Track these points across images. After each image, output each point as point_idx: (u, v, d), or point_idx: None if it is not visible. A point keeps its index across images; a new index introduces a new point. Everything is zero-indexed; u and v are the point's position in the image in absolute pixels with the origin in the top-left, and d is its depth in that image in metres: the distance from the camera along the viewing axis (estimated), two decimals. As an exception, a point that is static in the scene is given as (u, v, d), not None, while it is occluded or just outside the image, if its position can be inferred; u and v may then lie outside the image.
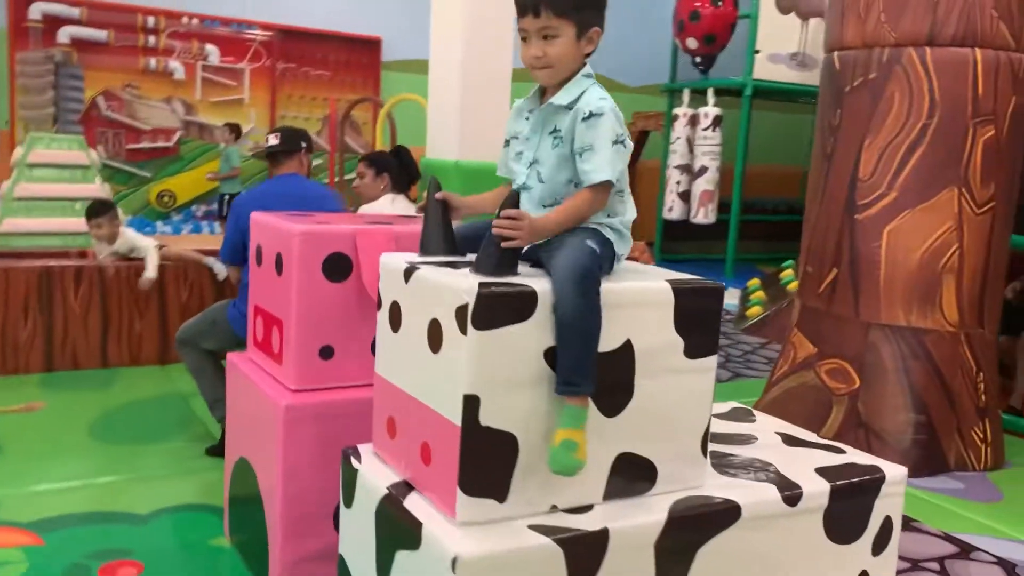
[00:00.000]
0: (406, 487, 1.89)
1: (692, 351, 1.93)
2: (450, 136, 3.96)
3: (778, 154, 13.17)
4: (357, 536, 2.02)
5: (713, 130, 10.03)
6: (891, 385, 4.09)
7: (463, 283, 1.70)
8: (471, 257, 1.93)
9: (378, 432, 2.05)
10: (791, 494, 2.03)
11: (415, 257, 1.97)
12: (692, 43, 10.17)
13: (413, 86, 10.26)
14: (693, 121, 10.20)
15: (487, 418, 1.70)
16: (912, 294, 4.09)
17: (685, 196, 10.39)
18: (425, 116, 6.47)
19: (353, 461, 2.05)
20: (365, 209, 4.00)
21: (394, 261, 1.97)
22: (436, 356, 1.77)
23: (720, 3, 9.94)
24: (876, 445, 4.03)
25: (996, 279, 4.20)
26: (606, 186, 1.80)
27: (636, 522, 1.83)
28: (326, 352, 2.54)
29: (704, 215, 10.23)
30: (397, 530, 1.82)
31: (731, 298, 7.88)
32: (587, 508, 1.84)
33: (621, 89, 12.59)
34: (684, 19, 10.12)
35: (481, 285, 1.68)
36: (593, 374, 1.73)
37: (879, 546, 2.21)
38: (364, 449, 2.09)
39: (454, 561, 1.61)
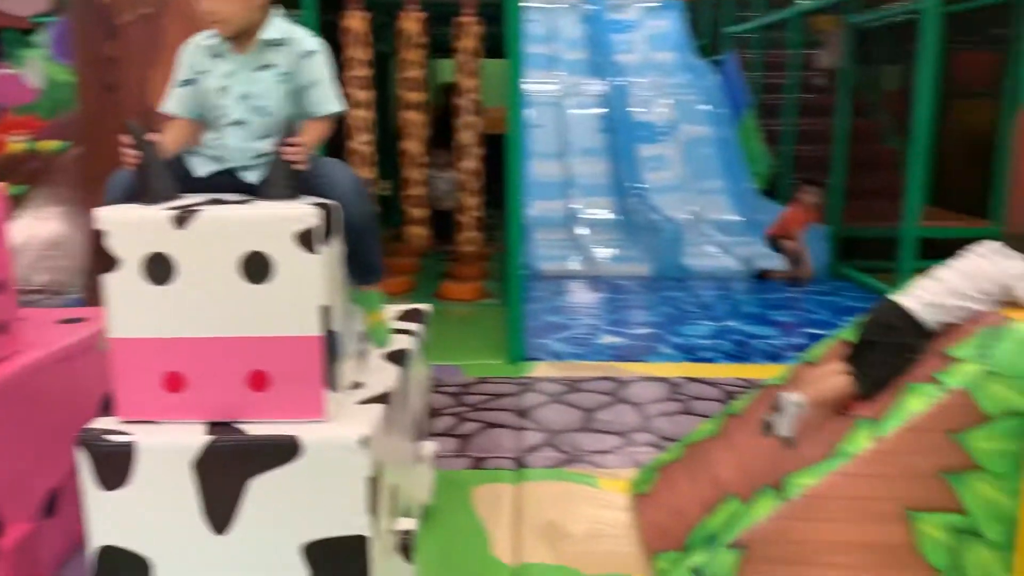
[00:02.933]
0: (225, 426, 1.92)
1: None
2: None
3: None
4: (142, 513, 1.90)
5: None
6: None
7: (295, 209, 1.87)
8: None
9: (143, 397, 1.92)
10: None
11: (150, 205, 1.90)
12: None
13: None
14: None
15: (332, 322, 1.95)
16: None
17: None
18: None
19: (114, 438, 1.88)
20: None
21: (135, 213, 1.87)
22: (263, 286, 1.87)
23: None
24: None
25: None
26: (335, 116, 2.11)
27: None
28: None
29: None
30: (249, 460, 1.88)
31: None
32: (361, 383, 2.22)
33: None
34: None
35: (313, 207, 1.88)
36: (381, 262, 2.14)
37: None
38: (109, 423, 1.92)
39: (365, 440, 1.89)
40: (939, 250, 2.50)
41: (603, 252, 7.50)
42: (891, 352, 2.41)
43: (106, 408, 1.99)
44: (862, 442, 2.31)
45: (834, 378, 2.49)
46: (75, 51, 4.58)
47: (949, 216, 7.05)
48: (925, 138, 5.78)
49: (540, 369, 4.44)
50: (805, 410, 2.45)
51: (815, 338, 4.16)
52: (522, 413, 3.81)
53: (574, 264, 7.21)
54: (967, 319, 2.40)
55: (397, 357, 2.43)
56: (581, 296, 6.38)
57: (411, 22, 5.43)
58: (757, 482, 2.46)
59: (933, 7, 5.64)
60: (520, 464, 3.30)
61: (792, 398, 2.46)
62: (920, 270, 2.59)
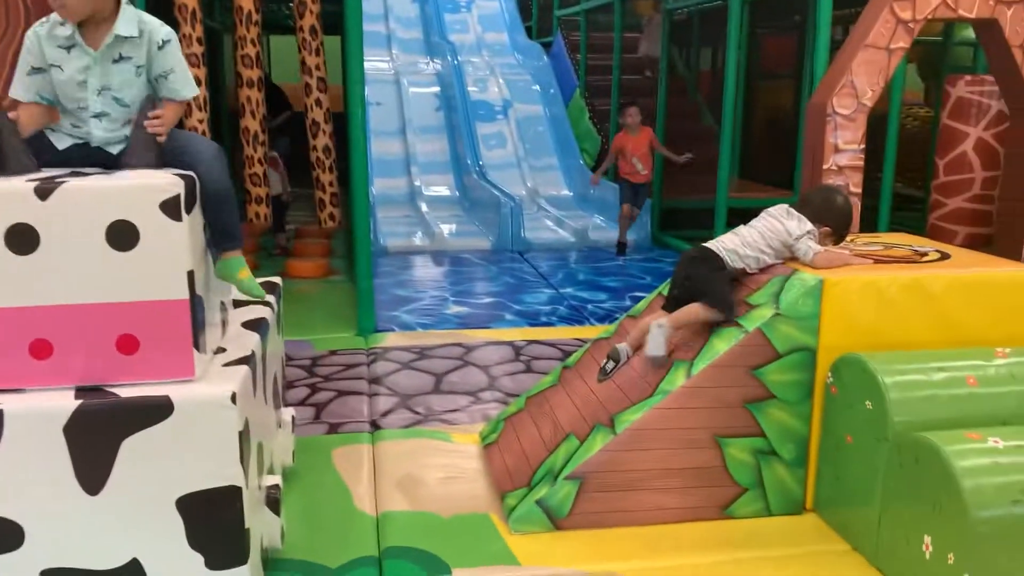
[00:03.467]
0: (96, 390, 2.00)
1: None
2: None
3: None
4: (13, 480, 1.96)
5: None
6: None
7: (158, 179, 1.97)
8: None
9: (9, 365, 1.97)
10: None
11: (10, 178, 1.94)
12: None
13: None
14: None
15: (197, 287, 2.06)
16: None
17: None
18: None
19: (-19, 408, 1.92)
20: None
21: (-8, 185, 1.90)
22: (129, 253, 1.96)
23: None
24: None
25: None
26: (188, 100, 2.21)
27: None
28: None
29: None
30: (122, 422, 1.97)
31: None
32: (224, 349, 2.33)
33: None
34: None
35: (176, 177, 1.98)
36: (239, 229, 2.27)
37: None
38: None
39: (235, 396, 2.02)
40: (749, 219, 2.89)
41: (446, 228, 7.72)
42: (711, 273, 2.76)
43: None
44: (678, 380, 2.66)
45: (691, 306, 2.75)
46: None
47: (757, 188, 7.74)
48: (734, 117, 6.35)
49: (390, 340, 4.61)
50: (669, 330, 2.75)
51: (640, 300, 4.56)
52: (375, 380, 3.99)
53: (418, 240, 7.39)
54: (759, 269, 2.80)
55: (255, 325, 2.56)
56: (427, 270, 6.58)
57: (247, -1, 5.42)
58: (592, 421, 2.78)
59: (738, -5, 6.19)
60: (376, 427, 3.48)
61: (657, 321, 2.76)
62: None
